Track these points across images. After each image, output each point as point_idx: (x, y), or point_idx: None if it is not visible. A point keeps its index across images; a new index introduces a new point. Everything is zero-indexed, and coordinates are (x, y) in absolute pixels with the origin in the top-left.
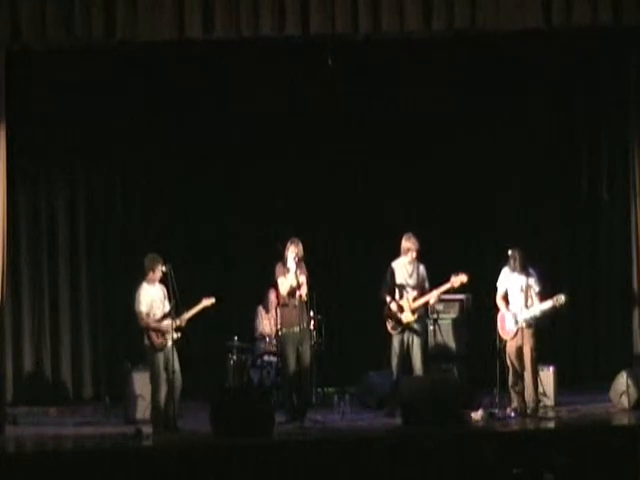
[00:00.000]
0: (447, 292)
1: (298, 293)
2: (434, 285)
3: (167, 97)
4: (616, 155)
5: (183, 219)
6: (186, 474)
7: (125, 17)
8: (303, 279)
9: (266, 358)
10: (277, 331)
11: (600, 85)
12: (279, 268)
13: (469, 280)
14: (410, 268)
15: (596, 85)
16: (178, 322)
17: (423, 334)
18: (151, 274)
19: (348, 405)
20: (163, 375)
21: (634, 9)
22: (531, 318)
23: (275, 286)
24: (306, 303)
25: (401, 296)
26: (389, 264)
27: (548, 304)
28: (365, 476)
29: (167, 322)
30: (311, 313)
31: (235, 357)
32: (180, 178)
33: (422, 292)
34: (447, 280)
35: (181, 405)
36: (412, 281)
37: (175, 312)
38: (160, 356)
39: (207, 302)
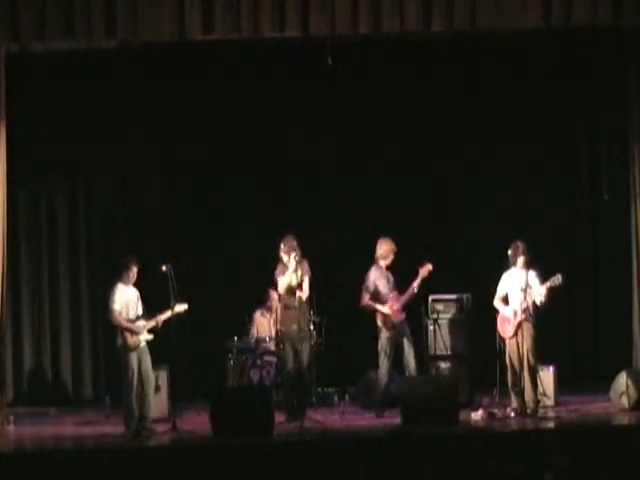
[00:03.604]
0: (421, 284)
1: (298, 293)
2: (403, 284)
3: (167, 97)
4: (616, 155)
5: (183, 219)
6: (186, 474)
7: (125, 17)
8: (304, 279)
9: (266, 358)
10: (277, 330)
11: (600, 85)
12: (279, 268)
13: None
14: (386, 272)
15: (596, 85)
16: (153, 323)
17: (410, 334)
18: (126, 274)
19: (348, 405)
20: (136, 375)
21: (634, 9)
22: (530, 307)
23: (275, 286)
24: (306, 303)
25: (385, 300)
26: (367, 271)
27: (546, 285)
28: (365, 476)
29: (139, 323)
30: (311, 312)
31: (235, 357)
32: (180, 178)
33: (398, 293)
34: (416, 274)
35: (181, 405)
36: (390, 284)
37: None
38: (133, 356)
39: (180, 307)
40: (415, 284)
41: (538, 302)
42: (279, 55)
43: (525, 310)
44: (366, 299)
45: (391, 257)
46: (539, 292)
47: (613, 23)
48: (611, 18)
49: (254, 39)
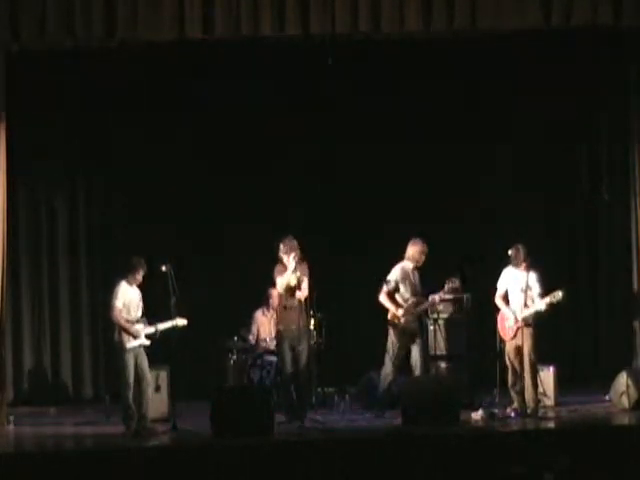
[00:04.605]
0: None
1: (298, 293)
2: (427, 289)
3: (167, 97)
4: (616, 155)
5: (184, 219)
6: (186, 474)
7: (125, 17)
8: (303, 280)
9: (266, 358)
10: (277, 330)
11: (600, 85)
12: (278, 268)
13: (465, 281)
14: (416, 274)
15: (596, 85)
16: (152, 330)
17: (422, 337)
18: (132, 275)
19: (348, 405)
20: (133, 375)
21: (634, 9)
22: (530, 316)
23: (275, 285)
24: (305, 303)
25: (404, 300)
26: (393, 266)
27: (545, 301)
28: (365, 476)
29: (138, 326)
30: (311, 313)
31: (235, 357)
32: (180, 178)
33: (419, 298)
34: (442, 288)
35: (181, 405)
36: (414, 287)
37: (177, 311)
38: (130, 356)
39: (180, 322)
40: (437, 297)
41: (537, 310)
42: (279, 55)
43: (525, 318)
44: (383, 295)
45: (422, 259)
46: (534, 308)
47: (613, 23)
48: (611, 18)
49: (254, 39)
